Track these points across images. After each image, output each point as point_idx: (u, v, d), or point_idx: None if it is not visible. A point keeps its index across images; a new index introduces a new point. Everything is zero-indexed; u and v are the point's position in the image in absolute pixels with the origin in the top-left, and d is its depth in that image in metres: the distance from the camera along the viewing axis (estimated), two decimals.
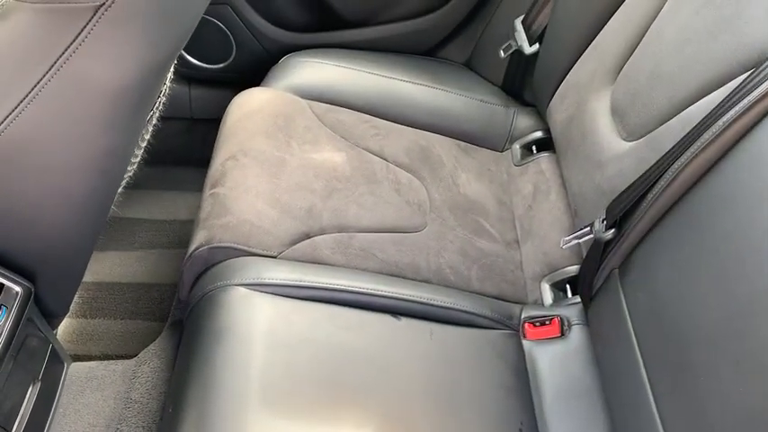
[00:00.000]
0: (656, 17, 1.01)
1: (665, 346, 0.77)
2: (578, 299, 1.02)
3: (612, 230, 0.87)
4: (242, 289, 0.91)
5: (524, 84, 1.35)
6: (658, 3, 1.00)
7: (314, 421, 0.80)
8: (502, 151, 1.32)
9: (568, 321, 1.00)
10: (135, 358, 1.04)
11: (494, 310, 1.00)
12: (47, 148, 0.72)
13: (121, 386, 0.98)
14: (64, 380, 0.95)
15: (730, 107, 0.74)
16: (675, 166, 0.78)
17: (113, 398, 0.96)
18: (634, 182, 0.87)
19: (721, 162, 0.75)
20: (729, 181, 0.73)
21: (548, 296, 1.07)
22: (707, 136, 0.75)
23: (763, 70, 0.73)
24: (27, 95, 0.68)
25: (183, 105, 1.53)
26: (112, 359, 1.08)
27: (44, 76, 0.67)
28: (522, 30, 1.27)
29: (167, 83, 0.99)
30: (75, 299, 1.30)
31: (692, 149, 0.77)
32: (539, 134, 1.30)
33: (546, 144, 1.28)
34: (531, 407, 0.92)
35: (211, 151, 1.17)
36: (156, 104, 0.92)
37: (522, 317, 1.02)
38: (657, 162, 0.84)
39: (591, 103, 1.09)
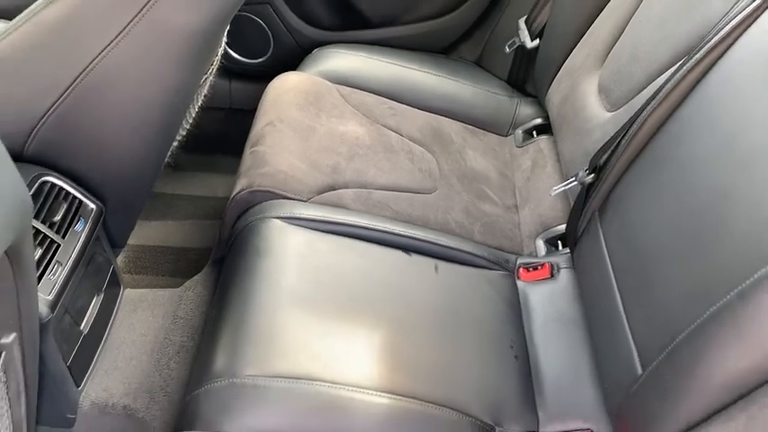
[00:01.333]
0: (638, 7, 1.19)
1: (631, 261, 0.91)
2: (568, 250, 1.16)
3: (592, 175, 1.02)
4: (278, 221, 1.08)
5: (527, 78, 1.52)
6: None
7: (333, 324, 0.95)
8: (506, 136, 1.49)
9: (558, 266, 1.14)
10: (181, 287, 1.19)
11: (492, 255, 1.15)
12: (129, 81, 0.89)
13: (169, 307, 1.13)
14: (120, 299, 1.11)
15: (684, 64, 0.90)
16: (643, 114, 0.94)
17: (162, 315, 1.12)
18: (612, 136, 1.03)
19: (678, 109, 0.91)
20: (684, 122, 0.89)
21: (541, 250, 1.22)
22: (667, 87, 0.91)
23: (710, 32, 0.89)
24: (118, 35, 0.85)
25: (223, 97, 1.72)
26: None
27: (132, 19, 0.84)
28: (525, 27, 1.44)
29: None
30: (122, 257, 1.46)
31: (656, 100, 0.93)
32: (538, 120, 1.46)
33: (545, 129, 1.44)
34: (522, 330, 1.06)
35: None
36: (213, 64, 1.09)
37: (518, 263, 1.17)
38: (631, 117, 0.99)
39: (582, 84, 1.26)
